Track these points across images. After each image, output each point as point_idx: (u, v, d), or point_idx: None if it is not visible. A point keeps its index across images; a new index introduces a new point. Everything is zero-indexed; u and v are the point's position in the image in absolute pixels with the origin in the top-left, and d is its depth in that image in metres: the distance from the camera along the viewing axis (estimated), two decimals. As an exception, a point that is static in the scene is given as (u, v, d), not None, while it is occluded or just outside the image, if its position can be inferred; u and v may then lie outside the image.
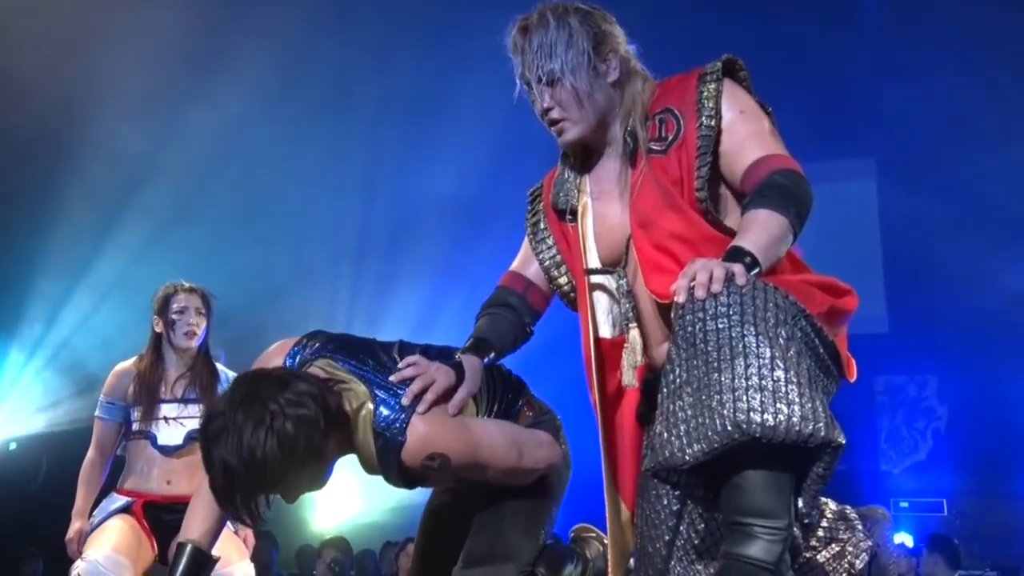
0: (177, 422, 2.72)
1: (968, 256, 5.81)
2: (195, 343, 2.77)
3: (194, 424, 2.68)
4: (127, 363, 2.80)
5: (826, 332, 1.58)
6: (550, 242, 1.93)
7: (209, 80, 5.67)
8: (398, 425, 1.59)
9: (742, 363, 1.42)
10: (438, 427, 1.61)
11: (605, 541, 1.88)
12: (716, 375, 1.42)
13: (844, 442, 1.41)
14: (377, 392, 1.62)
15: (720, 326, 1.46)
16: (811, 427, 1.38)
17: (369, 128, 6.32)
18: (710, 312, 1.46)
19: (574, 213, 1.87)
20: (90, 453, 2.77)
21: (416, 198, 6.54)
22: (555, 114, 1.80)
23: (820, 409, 1.39)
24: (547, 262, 1.93)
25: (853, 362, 1.68)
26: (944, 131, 5.70)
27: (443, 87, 6.21)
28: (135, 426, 2.72)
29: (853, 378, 1.67)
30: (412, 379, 1.65)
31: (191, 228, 5.84)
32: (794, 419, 1.38)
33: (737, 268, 1.50)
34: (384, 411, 1.60)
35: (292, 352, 1.70)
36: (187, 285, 2.85)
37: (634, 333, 1.79)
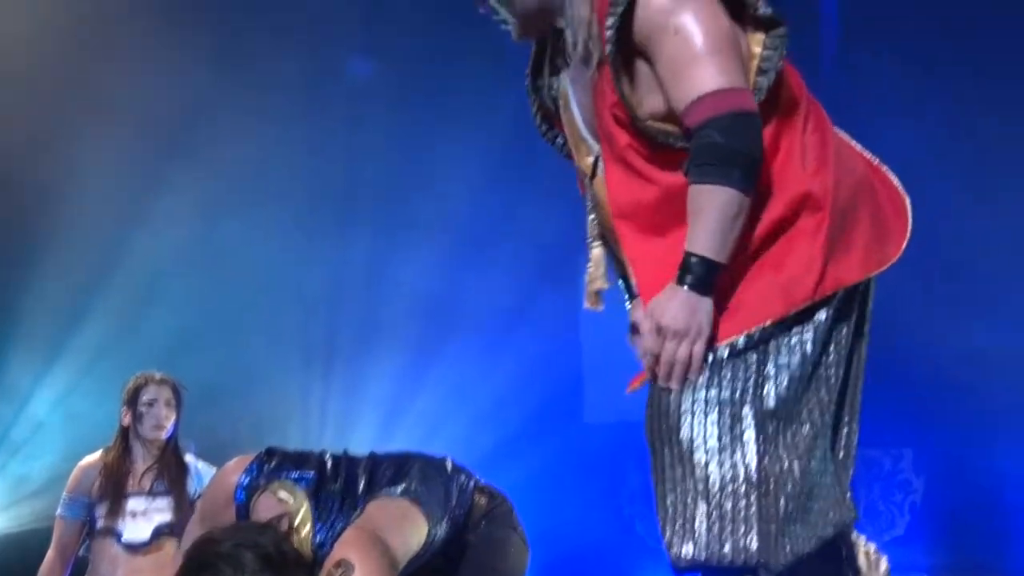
0: (144, 516, 2.65)
1: (934, 318, 5.81)
2: (164, 436, 2.71)
3: (162, 518, 2.61)
4: (93, 457, 2.73)
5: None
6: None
7: (182, 168, 5.66)
8: (327, 546, 1.60)
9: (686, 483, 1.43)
10: (359, 539, 1.58)
11: None
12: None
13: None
14: (318, 516, 1.63)
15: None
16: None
17: (339, 220, 6.33)
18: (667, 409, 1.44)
19: (556, 104, 1.71)
20: (49, 554, 2.68)
21: (384, 296, 6.50)
22: (488, 13, 1.67)
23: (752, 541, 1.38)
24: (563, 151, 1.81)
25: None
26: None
27: (411, 182, 6.25)
28: (100, 523, 2.63)
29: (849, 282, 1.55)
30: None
31: (162, 317, 5.76)
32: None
33: (695, 350, 1.42)
34: (319, 536, 1.63)
35: (248, 468, 1.74)
36: (158, 376, 2.80)
37: (596, 252, 1.70)
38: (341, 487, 1.66)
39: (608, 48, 1.50)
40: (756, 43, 1.54)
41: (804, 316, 1.50)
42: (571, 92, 1.65)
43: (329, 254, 6.34)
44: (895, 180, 1.74)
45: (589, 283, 1.75)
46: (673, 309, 1.42)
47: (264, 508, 1.63)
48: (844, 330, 1.57)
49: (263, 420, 6.18)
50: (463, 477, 1.80)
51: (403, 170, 6.28)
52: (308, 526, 1.61)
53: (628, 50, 1.53)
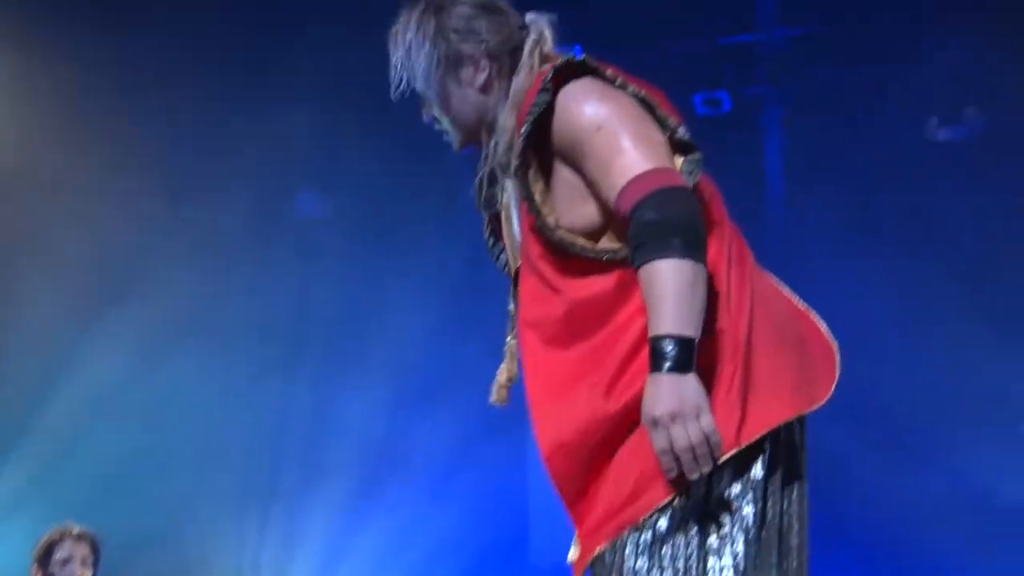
0: None
1: (873, 467, 5.76)
2: (77, 598, 2.53)
3: None
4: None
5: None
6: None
7: (121, 308, 5.54)
8: None
9: None
10: None
11: None
12: None
13: None
14: None
15: None
16: None
17: (285, 360, 6.23)
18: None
19: (498, 217, 1.74)
20: None
21: (329, 437, 6.37)
22: (427, 118, 1.73)
23: None
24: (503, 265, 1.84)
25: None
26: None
27: (360, 322, 6.21)
28: None
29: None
30: None
31: (91, 464, 5.54)
32: None
33: (703, 426, 1.38)
34: None
35: None
36: (75, 530, 2.64)
37: (512, 343, 1.77)
38: None
39: (516, 157, 1.51)
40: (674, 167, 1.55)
41: (738, 474, 1.46)
42: (512, 203, 1.66)
43: (274, 394, 6.20)
44: (823, 325, 1.71)
45: (499, 375, 1.82)
46: (662, 398, 1.38)
47: None
48: (781, 482, 1.52)
49: (194, 571, 5.94)
50: None
51: (352, 310, 6.21)
52: None
53: (548, 158, 1.54)
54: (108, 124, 5.37)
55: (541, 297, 1.58)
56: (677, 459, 1.38)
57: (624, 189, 1.45)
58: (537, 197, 1.53)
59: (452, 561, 6.17)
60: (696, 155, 1.54)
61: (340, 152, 5.93)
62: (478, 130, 1.65)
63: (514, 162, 1.53)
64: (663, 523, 1.44)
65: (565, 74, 1.55)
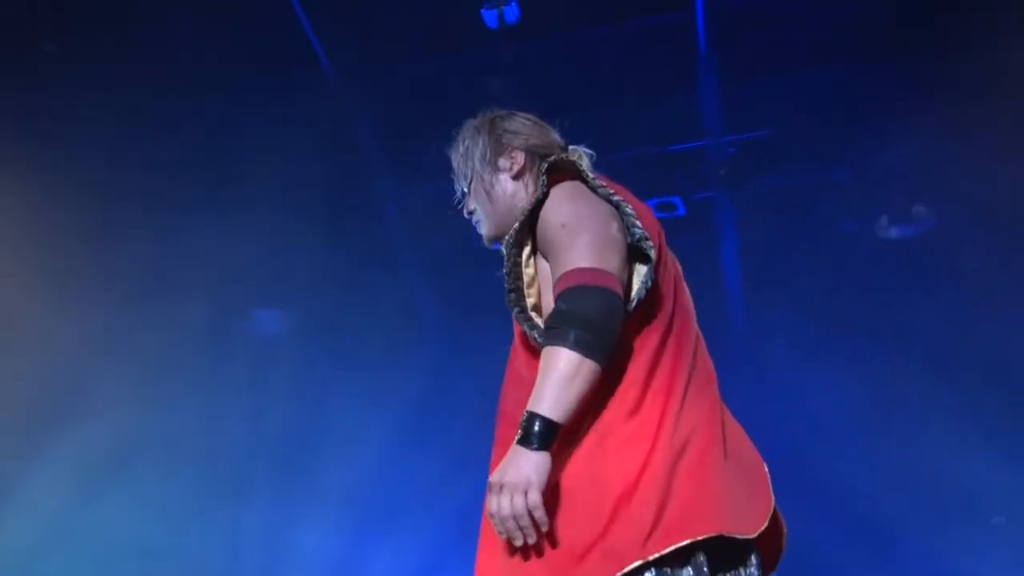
0: None
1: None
2: None
3: None
4: None
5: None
6: None
7: (60, 437, 5.31)
8: None
9: None
10: None
11: None
12: None
13: None
14: None
15: None
16: None
17: (236, 484, 6.03)
18: None
19: None
20: None
21: (282, 565, 6.15)
22: (468, 212, 1.92)
23: None
24: None
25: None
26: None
27: (314, 445, 6.07)
28: None
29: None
30: None
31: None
32: None
33: (529, 500, 1.46)
34: None
35: None
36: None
37: None
38: None
39: (507, 247, 1.69)
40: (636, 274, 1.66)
41: None
42: None
43: (224, 521, 6.00)
44: (756, 454, 1.75)
45: None
46: (505, 466, 1.49)
47: None
48: None
49: None
50: None
51: (306, 431, 6.08)
52: None
53: (540, 252, 1.71)
54: (56, 239, 5.25)
55: (516, 382, 1.70)
56: (499, 523, 1.50)
57: (558, 280, 1.60)
58: (525, 280, 1.68)
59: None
60: (647, 267, 1.64)
61: (294, 268, 5.86)
62: (507, 223, 1.77)
63: (508, 244, 1.70)
64: None
65: (558, 174, 1.73)
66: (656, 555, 1.47)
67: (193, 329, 5.60)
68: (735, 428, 1.72)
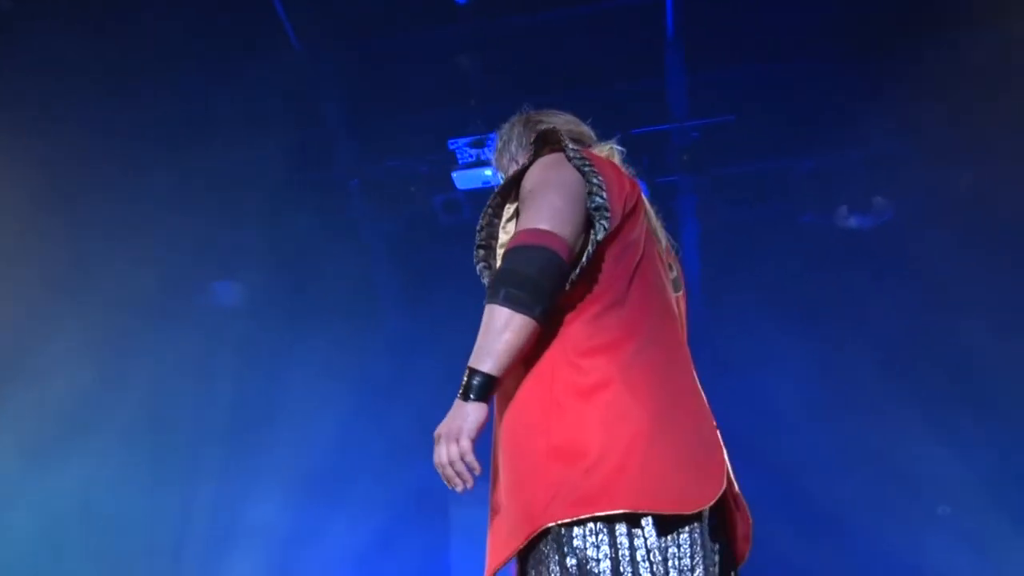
0: None
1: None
2: None
3: None
4: None
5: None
6: None
7: (3, 404, 5.23)
8: None
9: None
10: None
11: None
12: None
13: None
14: None
15: None
16: None
17: (188, 455, 5.99)
18: None
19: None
20: None
21: (234, 538, 6.12)
22: None
23: None
24: None
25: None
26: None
27: (275, 369, 6.01)
28: None
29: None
30: None
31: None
32: None
33: (460, 446, 1.54)
34: None
35: None
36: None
37: None
38: None
39: (487, 207, 1.79)
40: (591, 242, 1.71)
41: (597, 545, 1.53)
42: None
43: (175, 491, 5.96)
44: (715, 434, 1.75)
45: None
46: (445, 419, 1.59)
47: None
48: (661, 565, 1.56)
49: None
50: None
51: (260, 405, 6.03)
52: None
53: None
54: (4, 209, 5.15)
55: None
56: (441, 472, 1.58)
57: (510, 239, 1.68)
58: (500, 240, 1.77)
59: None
60: (600, 223, 1.69)
61: (254, 241, 5.81)
62: None
63: (488, 205, 1.80)
64: None
65: (547, 147, 1.81)
66: (566, 520, 1.52)
67: (147, 298, 5.53)
68: (696, 402, 1.73)
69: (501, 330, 1.56)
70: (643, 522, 1.54)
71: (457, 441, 1.55)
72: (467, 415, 1.56)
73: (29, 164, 5.06)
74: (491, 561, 1.62)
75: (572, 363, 1.62)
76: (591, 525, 1.52)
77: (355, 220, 5.99)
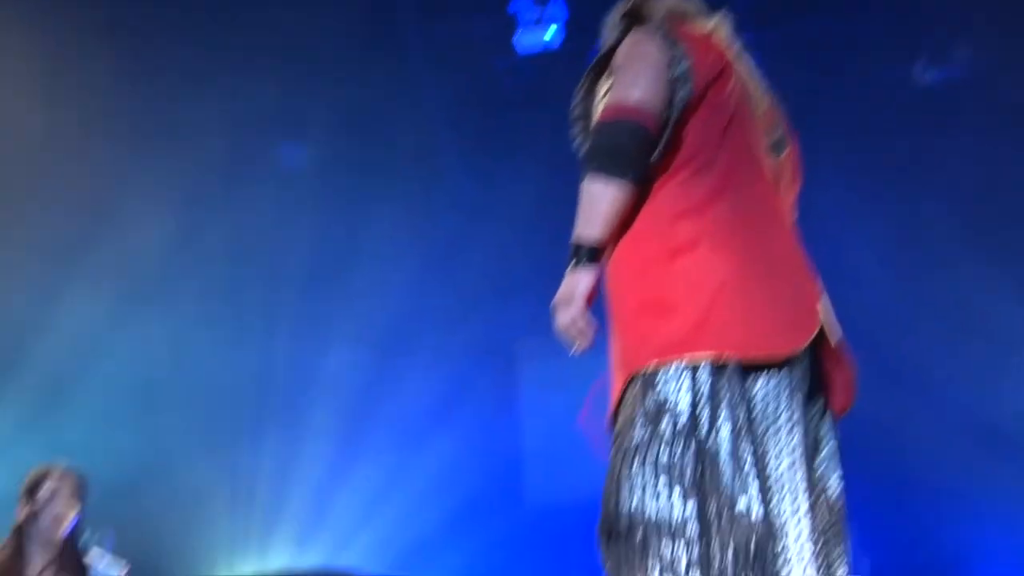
0: (41, 617, 2.45)
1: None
2: (62, 533, 2.52)
3: (59, 620, 2.42)
4: (-16, 556, 2.52)
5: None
6: None
7: (96, 253, 5.47)
8: None
9: None
10: None
11: None
12: None
13: None
14: None
15: None
16: None
17: (265, 301, 6.21)
18: None
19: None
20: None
21: (316, 377, 6.38)
22: None
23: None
24: None
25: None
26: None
27: (349, 226, 6.15)
28: (-6, 627, 2.42)
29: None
30: None
31: (75, 402, 5.53)
32: None
33: (573, 313, 1.64)
34: None
35: None
36: (60, 468, 2.62)
37: None
38: None
39: (581, 82, 1.86)
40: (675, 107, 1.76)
41: (679, 388, 1.59)
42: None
43: (254, 344, 6.22)
44: (819, 292, 1.78)
45: None
46: (560, 288, 1.69)
47: None
48: (733, 411, 1.59)
49: (189, 507, 5.97)
50: None
51: (331, 265, 6.18)
52: None
53: None
54: (83, 77, 5.29)
55: None
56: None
57: (600, 114, 1.76)
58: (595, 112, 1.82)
59: (446, 500, 6.19)
60: (683, 91, 1.76)
61: (317, 105, 5.87)
62: None
63: (583, 81, 1.86)
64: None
65: (635, 22, 1.85)
66: (651, 365, 1.60)
67: (220, 158, 5.66)
68: (790, 257, 1.77)
69: (598, 200, 1.66)
70: (725, 367, 1.59)
71: (570, 306, 1.65)
72: (577, 282, 1.66)
73: (106, 28, 5.17)
74: (609, 411, 1.72)
75: (661, 227, 1.69)
76: (674, 370, 1.59)
77: (419, 83, 6.00)
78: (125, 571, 2.62)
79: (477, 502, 6.22)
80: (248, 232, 5.94)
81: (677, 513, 1.51)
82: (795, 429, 1.64)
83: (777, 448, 1.62)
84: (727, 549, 1.51)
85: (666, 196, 1.71)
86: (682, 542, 1.50)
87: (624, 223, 1.71)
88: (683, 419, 1.56)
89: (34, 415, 5.43)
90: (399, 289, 6.12)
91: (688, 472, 1.54)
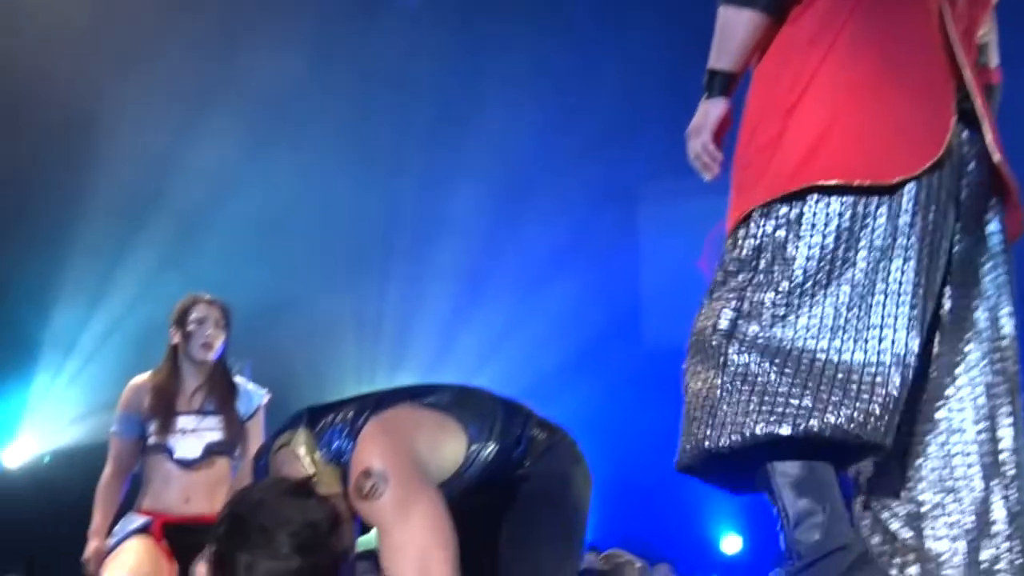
0: (195, 434, 2.66)
1: None
2: (212, 356, 2.69)
3: (213, 436, 2.63)
4: (142, 377, 2.73)
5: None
6: None
7: (227, 95, 5.61)
8: (347, 444, 1.46)
9: None
10: (382, 437, 1.45)
11: (637, 565, 1.80)
12: None
13: None
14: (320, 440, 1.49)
15: None
16: None
17: (392, 144, 6.30)
18: None
19: None
20: (107, 470, 2.70)
21: (441, 220, 6.49)
22: None
23: None
24: None
25: None
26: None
27: (473, 70, 6.16)
28: (152, 440, 2.64)
29: None
30: None
31: (210, 239, 5.80)
32: None
33: (701, 141, 1.64)
34: (332, 444, 1.47)
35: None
36: (207, 297, 2.78)
37: None
38: (344, 407, 1.49)
39: None
40: None
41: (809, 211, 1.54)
42: None
43: (382, 176, 6.30)
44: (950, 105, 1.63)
45: None
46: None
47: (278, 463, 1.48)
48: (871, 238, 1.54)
49: (319, 340, 6.26)
50: (513, 407, 1.64)
51: (454, 110, 6.19)
52: (308, 451, 1.44)
53: None
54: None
55: None
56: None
57: None
58: None
59: (565, 342, 6.31)
60: None
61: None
62: None
63: None
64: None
65: None
66: (766, 199, 1.56)
67: (347, 4, 5.66)
68: (931, 79, 1.63)
69: (732, 28, 1.63)
70: (838, 194, 1.54)
71: (699, 136, 1.65)
72: (708, 112, 1.66)
73: None
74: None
75: (792, 58, 1.63)
76: (790, 201, 1.55)
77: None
78: (267, 398, 2.78)
79: (597, 343, 6.31)
80: (375, 74, 5.98)
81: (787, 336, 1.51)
82: (920, 257, 1.55)
83: (900, 277, 1.54)
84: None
85: (801, 26, 1.64)
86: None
87: (759, 52, 1.67)
88: (802, 251, 1.53)
89: (174, 250, 5.73)
90: (523, 132, 6.10)
91: (796, 303, 1.52)
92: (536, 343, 6.31)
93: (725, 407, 1.50)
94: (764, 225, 1.56)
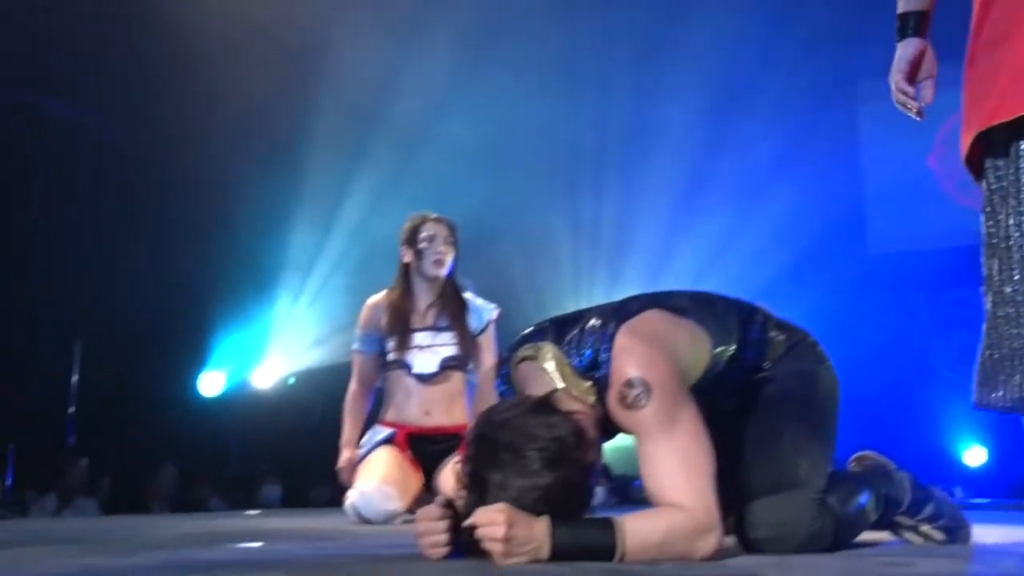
0: (431, 349, 2.74)
1: None
2: (443, 272, 2.75)
3: (448, 351, 2.70)
4: (378, 296, 2.83)
5: None
6: None
7: (444, 9, 5.70)
8: (602, 354, 1.43)
9: None
10: (639, 347, 1.42)
11: (892, 467, 1.71)
12: None
13: None
14: (567, 351, 1.48)
15: None
16: None
17: (598, 70, 6.21)
18: None
19: None
20: (352, 385, 2.84)
21: (653, 130, 6.38)
22: None
23: None
24: None
25: None
26: None
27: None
28: (391, 356, 2.75)
29: None
30: None
31: (428, 161, 5.93)
32: None
33: (896, 84, 1.65)
34: (584, 355, 1.46)
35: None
36: (434, 215, 2.83)
37: None
38: (586, 316, 1.49)
39: None
40: None
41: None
42: None
43: (591, 90, 6.29)
44: None
45: None
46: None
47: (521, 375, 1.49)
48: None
49: (536, 256, 6.36)
50: (749, 309, 1.63)
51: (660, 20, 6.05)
52: (558, 364, 1.44)
53: None
54: None
55: None
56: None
57: None
58: None
59: (786, 249, 6.17)
60: None
61: None
62: None
63: None
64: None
65: None
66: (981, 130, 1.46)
67: None
68: None
69: None
70: None
71: (893, 78, 1.68)
72: (901, 54, 1.69)
73: None
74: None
75: None
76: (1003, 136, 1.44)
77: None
78: (496, 313, 2.82)
79: (819, 249, 6.12)
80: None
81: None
82: None
83: None
84: None
85: None
86: None
87: None
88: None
89: (396, 173, 5.92)
90: (738, 37, 5.89)
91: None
92: (756, 252, 6.16)
93: None
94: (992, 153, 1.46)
